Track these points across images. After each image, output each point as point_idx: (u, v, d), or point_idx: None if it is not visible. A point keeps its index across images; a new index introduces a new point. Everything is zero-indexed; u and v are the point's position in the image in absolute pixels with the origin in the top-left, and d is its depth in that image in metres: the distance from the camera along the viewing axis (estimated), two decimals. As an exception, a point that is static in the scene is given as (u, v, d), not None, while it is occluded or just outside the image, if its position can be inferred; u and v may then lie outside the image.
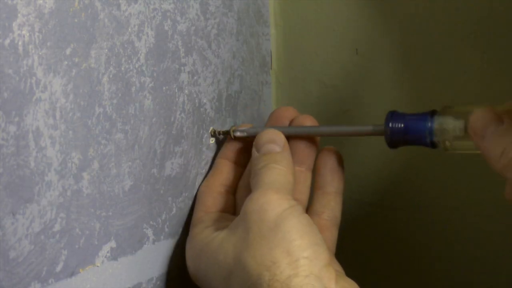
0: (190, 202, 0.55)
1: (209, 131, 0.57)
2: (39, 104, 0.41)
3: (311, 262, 0.46)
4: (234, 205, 0.55)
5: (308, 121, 0.55)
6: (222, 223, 0.52)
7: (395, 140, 0.51)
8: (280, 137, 0.53)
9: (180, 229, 0.54)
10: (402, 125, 0.51)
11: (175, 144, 0.53)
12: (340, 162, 0.55)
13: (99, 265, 0.47)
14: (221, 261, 0.48)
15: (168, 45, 0.52)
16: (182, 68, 0.54)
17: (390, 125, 0.51)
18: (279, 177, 0.50)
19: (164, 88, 0.52)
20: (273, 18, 0.67)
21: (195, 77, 0.55)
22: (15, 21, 0.40)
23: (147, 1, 0.50)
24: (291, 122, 0.56)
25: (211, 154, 0.57)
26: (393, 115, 0.51)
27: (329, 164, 0.55)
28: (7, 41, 0.39)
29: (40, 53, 0.41)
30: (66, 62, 0.43)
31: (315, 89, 0.66)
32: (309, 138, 0.55)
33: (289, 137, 0.54)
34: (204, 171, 0.57)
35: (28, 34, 0.40)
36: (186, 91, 0.54)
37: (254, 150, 0.53)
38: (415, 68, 0.61)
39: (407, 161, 0.61)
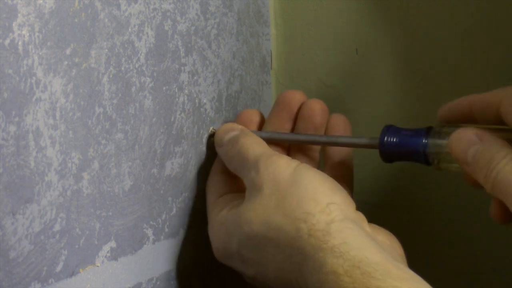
0: (190, 202, 0.55)
1: (209, 131, 0.57)
2: (39, 104, 0.41)
3: (341, 207, 0.46)
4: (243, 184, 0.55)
5: (317, 105, 0.55)
6: (236, 201, 0.51)
7: (388, 155, 0.51)
8: (236, 125, 0.54)
9: (180, 229, 0.54)
10: (396, 140, 0.50)
11: (175, 144, 0.53)
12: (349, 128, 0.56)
13: (99, 265, 0.47)
14: (248, 232, 0.48)
15: (168, 45, 0.52)
16: (182, 68, 0.54)
17: (385, 139, 0.51)
18: (262, 146, 0.51)
19: (164, 88, 0.52)
20: (273, 18, 0.67)
21: (195, 77, 0.55)
22: (15, 21, 0.40)
23: (147, 1, 0.50)
24: (300, 106, 0.55)
25: (211, 154, 0.57)
26: (388, 129, 0.51)
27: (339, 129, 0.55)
28: (7, 41, 0.39)
29: (40, 53, 0.41)
30: (66, 62, 0.43)
31: (315, 89, 0.66)
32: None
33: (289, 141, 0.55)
34: (204, 171, 0.57)
35: (28, 34, 0.40)
36: (186, 91, 0.54)
37: (217, 148, 0.54)
38: (415, 68, 0.61)
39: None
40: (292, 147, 0.57)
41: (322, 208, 0.46)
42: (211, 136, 0.56)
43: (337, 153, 0.55)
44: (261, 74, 0.65)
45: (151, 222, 0.51)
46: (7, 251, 0.40)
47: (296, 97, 0.56)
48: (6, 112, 0.39)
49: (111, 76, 0.47)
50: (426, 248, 0.63)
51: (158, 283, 0.52)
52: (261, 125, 0.57)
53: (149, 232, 0.51)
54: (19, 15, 0.40)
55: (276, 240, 0.46)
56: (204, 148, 0.57)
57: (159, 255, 0.52)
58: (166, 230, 0.53)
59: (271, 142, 0.54)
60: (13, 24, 0.39)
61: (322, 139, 0.55)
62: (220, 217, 0.51)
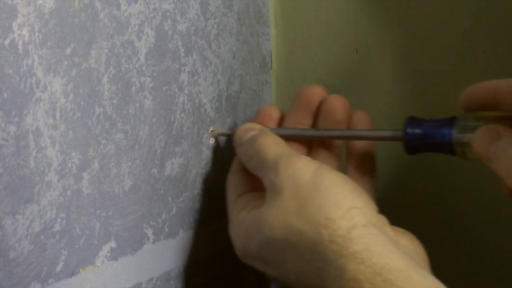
0: (190, 202, 0.55)
1: (209, 131, 0.57)
2: (39, 104, 0.41)
3: (362, 211, 0.45)
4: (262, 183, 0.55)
5: (338, 101, 0.54)
6: (256, 201, 0.51)
7: (413, 146, 0.50)
8: (255, 124, 0.53)
9: (180, 229, 0.54)
10: (421, 131, 0.49)
11: (175, 144, 0.53)
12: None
13: (99, 265, 0.47)
14: (269, 236, 0.47)
15: (168, 45, 0.52)
16: (182, 68, 0.54)
17: (409, 130, 0.50)
18: (281, 146, 0.50)
19: (164, 88, 0.52)
20: (273, 18, 0.67)
21: (195, 77, 0.55)
22: (15, 21, 0.40)
23: (147, 1, 0.50)
24: (320, 102, 0.55)
25: (211, 154, 0.57)
26: (412, 121, 0.50)
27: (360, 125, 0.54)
28: (7, 41, 0.39)
29: (40, 53, 0.41)
30: (66, 62, 0.43)
31: (315, 89, 0.66)
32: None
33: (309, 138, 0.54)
34: (204, 171, 0.57)
35: (28, 34, 0.40)
36: (186, 91, 0.54)
37: (236, 148, 0.53)
38: (415, 68, 0.61)
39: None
40: (313, 143, 0.56)
41: (343, 213, 0.45)
42: (230, 135, 0.56)
43: (360, 148, 0.54)
44: (261, 74, 0.65)
45: (151, 222, 0.51)
46: (7, 251, 0.40)
47: (316, 92, 0.55)
48: (6, 112, 0.39)
49: (111, 76, 0.47)
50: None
51: (158, 283, 0.52)
52: (280, 122, 0.56)
53: (149, 232, 0.51)
54: (19, 15, 0.40)
55: (297, 245, 0.46)
56: (204, 148, 0.57)
57: (159, 255, 0.52)
58: (166, 230, 0.53)
59: (291, 139, 0.54)
60: (13, 24, 0.39)
61: (344, 134, 0.53)
62: (241, 218, 0.50)
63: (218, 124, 0.58)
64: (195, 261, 0.56)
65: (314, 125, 0.55)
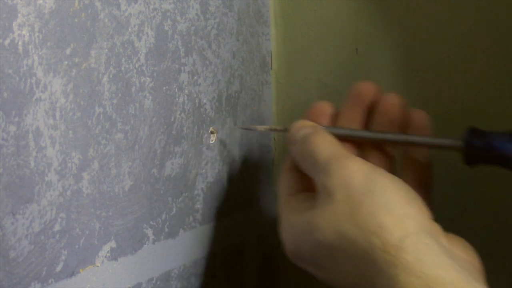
0: (190, 202, 0.55)
1: (209, 131, 0.57)
2: (39, 104, 0.41)
3: (416, 219, 0.44)
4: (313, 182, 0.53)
5: (395, 100, 0.52)
6: (307, 202, 0.49)
7: (475, 158, 0.48)
8: (308, 122, 0.52)
9: (180, 229, 0.54)
10: (486, 143, 0.47)
11: (175, 144, 0.53)
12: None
13: (99, 265, 0.47)
14: (321, 240, 0.46)
15: (168, 45, 0.52)
16: (182, 68, 0.54)
17: (472, 141, 0.47)
18: (333, 146, 0.48)
19: (164, 88, 0.52)
20: (273, 18, 0.67)
21: (195, 77, 0.55)
22: (15, 21, 0.40)
23: (147, 1, 0.50)
24: (375, 99, 0.52)
25: (211, 154, 0.57)
26: (475, 132, 0.48)
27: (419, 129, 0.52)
28: (7, 41, 0.39)
29: (40, 53, 0.41)
30: (66, 62, 0.43)
31: (315, 89, 0.66)
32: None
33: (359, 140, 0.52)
34: (204, 171, 0.57)
35: (28, 34, 0.40)
36: (186, 91, 0.54)
37: (289, 146, 0.51)
38: (415, 68, 0.61)
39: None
40: (366, 142, 0.54)
41: (396, 221, 0.43)
42: (282, 131, 0.55)
43: (417, 155, 0.52)
44: (261, 74, 0.65)
45: (151, 222, 0.51)
46: (7, 251, 0.40)
47: (369, 88, 0.53)
48: (6, 112, 0.39)
49: (111, 76, 0.47)
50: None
51: (158, 283, 0.52)
52: (333, 118, 0.55)
53: (149, 232, 0.51)
54: (19, 15, 0.40)
55: (348, 251, 0.45)
56: (204, 148, 0.57)
57: (159, 255, 0.52)
58: (166, 230, 0.53)
59: (344, 139, 0.52)
60: (13, 24, 0.39)
61: (398, 138, 0.51)
62: (292, 219, 0.49)
63: (218, 124, 0.58)
64: (195, 261, 0.56)
65: (368, 123, 0.53)
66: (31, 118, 0.41)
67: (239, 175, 0.61)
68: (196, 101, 0.55)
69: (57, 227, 0.43)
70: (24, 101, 0.40)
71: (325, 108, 0.55)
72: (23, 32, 0.40)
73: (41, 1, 0.41)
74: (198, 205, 0.56)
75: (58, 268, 0.43)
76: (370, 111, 0.53)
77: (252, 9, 0.63)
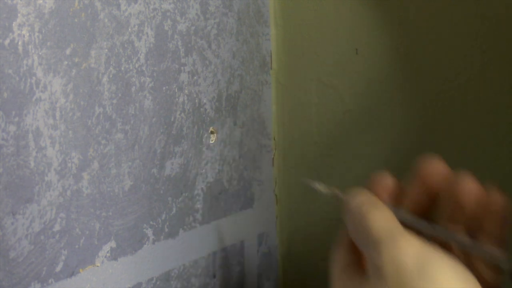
0: (190, 202, 0.55)
1: (209, 131, 0.57)
2: (39, 104, 0.41)
3: None
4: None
5: (469, 186, 0.46)
6: (357, 279, 0.47)
7: None
8: (366, 192, 0.48)
9: (180, 229, 0.54)
10: None
11: (175, 144, 0.53)
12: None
13: (99, 265, 0.47)
14: None
15: (168, 45, 0.52)
16: (182, 68, 0.54)
17: None
18: (389, 222, 0.45)
19: (164, 88, 0.52)
20: (273, 18, 0.67)
21: (195, 77, 0.55)
22: (15, 21, 0.40)
23: (147, 1, 0.50)
24: (443, 181, 0.47)
25: (211, 154, 0.57)
26: None
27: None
28: (7, 41, 0.39)
29: (40, 53, 0.41)
30: (66, 62, 0.43)
31: (315, 89, 0.66)
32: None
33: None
34: (204, 171, 0.57)
35: (28, 34, 0.40)
36: (186, 91, 0.54)
37: (343, 214, 0.48)
38: (415, 68, 0.61)
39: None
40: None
41: None
42: (337, 197, 0.50)
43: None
44: (261, 74, 0.65)
45: (151, 222, 0.51)
46: (7, 251, 0.40)
47: (439, 172, 0.48)
48: (6, 112, 0.39)
49: (111, 76, 0.47)
50: None
51: (158, 283, 0.52)
52: (395, 193, 0.50)
53: (149, 232, 0.51)
54: (19, 15, 0.40)
55: None
56: (204, 148, 0.57)
57: (159, 255, 0.52)
58: (166, 230, 0.53)
59: (403, 223, 0.46)
60: (13, 24, 0.39)
61: (465, 243, 0.45)
62: None
63: (218, 124, 0.58)
64: (195, 261, 0.56)
65: (434, 207, 0.48)
66: (31, 118, 0.41)
67: (239, 175, 0.61)
68: (196, 101, 0.55)
69: (57, 227, 0.43)
70: (24, 101, 0.40)
71: (387, 182, 0.50)
72: (23, 32, 0.40)
73: (41, 1, 0.41)
74: (198, 205, 0.56)
75: (58, 268, 0.43)
76: (438, 193, 0.48)
77: (252, 9, 0.63)
